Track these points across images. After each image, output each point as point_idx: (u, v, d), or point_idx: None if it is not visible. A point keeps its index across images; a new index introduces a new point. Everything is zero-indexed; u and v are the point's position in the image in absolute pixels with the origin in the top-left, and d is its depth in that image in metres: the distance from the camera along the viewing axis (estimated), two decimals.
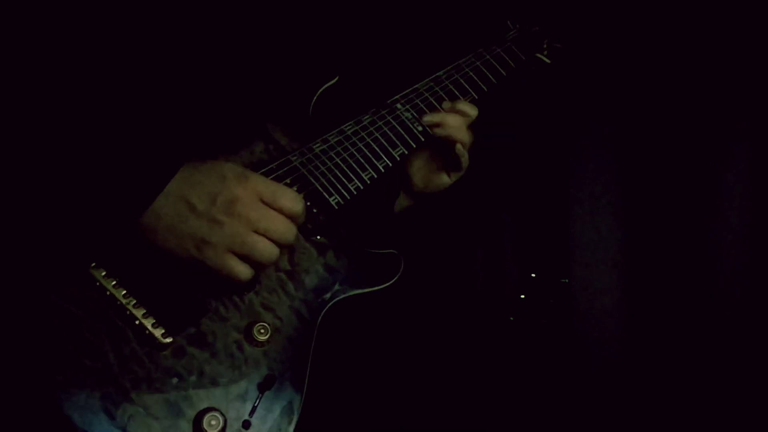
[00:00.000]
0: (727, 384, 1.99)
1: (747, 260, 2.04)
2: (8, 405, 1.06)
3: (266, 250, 1.19)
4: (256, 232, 1.18)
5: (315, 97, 1.45)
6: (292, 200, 1.23)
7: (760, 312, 2.00)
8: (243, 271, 1.18)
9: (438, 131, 1.52)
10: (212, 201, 1.16)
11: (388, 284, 1.40)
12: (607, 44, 2.07)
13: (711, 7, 2.03)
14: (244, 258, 1.18)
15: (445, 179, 1.61)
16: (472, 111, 1.56)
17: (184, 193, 1.15)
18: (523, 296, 2.27)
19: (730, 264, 2.05)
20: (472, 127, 1.58)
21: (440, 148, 1.57)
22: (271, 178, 1.29)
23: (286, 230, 1.21)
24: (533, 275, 2.28)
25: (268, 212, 1.20)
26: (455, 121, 1.53)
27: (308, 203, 1.34)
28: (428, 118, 1.52)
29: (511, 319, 2.24)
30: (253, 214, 1.18)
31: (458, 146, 1.54)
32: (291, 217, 1.23)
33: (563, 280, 2.22)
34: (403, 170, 1.61)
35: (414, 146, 1.50)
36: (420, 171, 1.61)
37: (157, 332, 1.14)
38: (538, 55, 1.78)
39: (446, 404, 2.06)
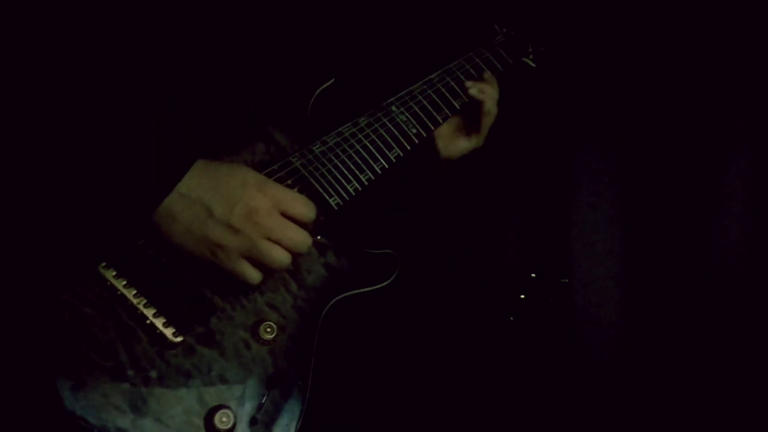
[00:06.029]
0: (728, 383, 1.99)
1: (748, 260, 2.04)
2: (10, 403, 1.07)
3: (278, 257, 1.23)
4: (270, 239, 1.22)
5: (312, 99, 1.46)
6: (306, 208, 1.27)
7: (761, 312, 2.00)
8: (254, 275, 1.23)
9: (477, 94, 1.60)
10: (231, 208, 1.19)
11: (384, 284, 1.42)
12: (608, 44, 2.07)
13: (711, 7, 2.03)
14: (257, 263, 1.22)
15: (465, 144, 1.67)
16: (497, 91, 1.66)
17: (203, 197, 1.18)
18: (523, 296, 2.26)
19: (731, 264, 2.05)
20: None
21: (466, 115, 1.64)
22: (274, 179, 1.31)
23: (301, 240, 1.25)
24: (533, 275, 2.28)
25: (284, 222, 1.24)
26: (491, 91, 1.63)
27: None
28: (470, 86, 1.61)
29: (511, 319, 2.24)
30: (269, 223, 1.22)
31: (487, 104, 1.62)
32: (305, 224, 1.26)
33: (563, 280, 2.22)
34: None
35: (408, 148, 1.52)
36: (444, 138, 1.66)
37: (168, 331, 1.16)
38: (525, 59, 1.81)
39: (446, 404, 2.08)
